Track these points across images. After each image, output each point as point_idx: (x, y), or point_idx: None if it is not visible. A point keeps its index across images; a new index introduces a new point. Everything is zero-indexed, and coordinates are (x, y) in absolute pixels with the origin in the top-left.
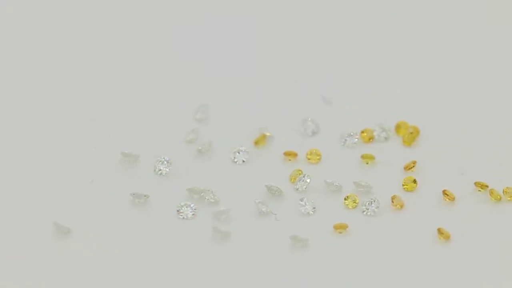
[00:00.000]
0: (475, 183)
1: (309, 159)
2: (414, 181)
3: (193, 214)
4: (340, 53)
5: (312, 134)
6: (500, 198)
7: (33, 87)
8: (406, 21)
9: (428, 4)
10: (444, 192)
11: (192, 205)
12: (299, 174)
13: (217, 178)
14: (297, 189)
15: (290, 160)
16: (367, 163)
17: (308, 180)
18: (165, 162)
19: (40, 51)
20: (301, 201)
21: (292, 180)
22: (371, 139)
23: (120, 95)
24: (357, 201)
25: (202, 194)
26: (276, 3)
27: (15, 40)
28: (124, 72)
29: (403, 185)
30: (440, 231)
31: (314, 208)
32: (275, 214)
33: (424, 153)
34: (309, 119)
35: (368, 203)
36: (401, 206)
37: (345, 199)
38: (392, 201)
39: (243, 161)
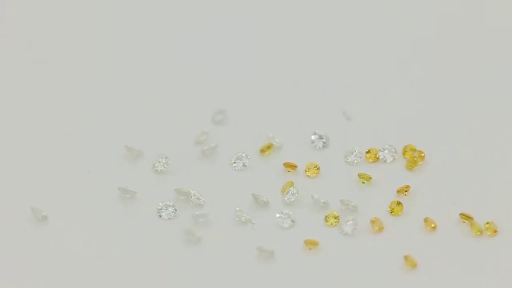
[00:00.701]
0: (460, 214)
1: (307, 172)
2: (399, 205)
3: (173, 215)
4: (341, 53)
5: (319, 149)
6: (481, 232)
7: (33, 87)
8: (408, 21)
9: (428, 4)
10: (426, 220)
11: (172, 206)
12: (290, 186)
13: (211, 181)
14: (284, 201)
15: (289, 171)
16: (363, 183)
17: (296, 194)
18: (163, 160)
19: (40, 51)
20: (280, 213)
21: (282, 192)
22: (375, 159)
23: (125, 94)
24: (338, 219)
25: (188, 195)
26: (276, 3)
27: (15, 40)
28: (127, 72)
29: (389, 208)
30: (406, 258)
31: (292, 222)
32: (253, 224)
33: (423, 179)
34: (321, 134)
35: (347, 223)
36: (380, 229)
37: (326, 216)
38: (372, 223)
39: (243, 167)
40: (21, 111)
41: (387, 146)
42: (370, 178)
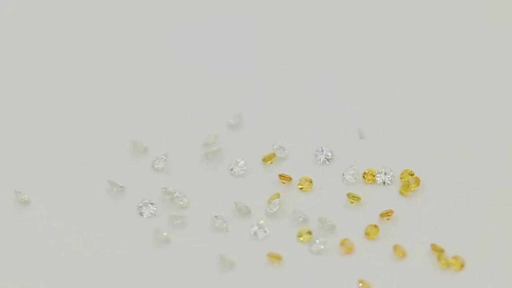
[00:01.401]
0: (432, 245)
1: (300, 186)
2: (375, 228)
3: (152, 213)
4: (342, 53)
5: (321, 164)
6: (448, 265)
7: (32, 86)
8: (408, 21)
9: (429, 4)
10: (395, 247)
11: (153, 204)
12: (277, 197)
13: (205, 184)
14: (266, 211)
15: (283, 183)
16: (351, 203)
17: (277, 205)
18: (163, 158)
19: (40, 51)
20: (255, 224)
21: (268, 202)
22: (372, 181)
23: (138, 92)
24: (311, 236)
25: (174, 195)
26: (276, 3)
27: (15, 41)
28: (128, 72)
29: (365, 231)
30: (361, 282)
31: (265, 233)
32: (228, 231)
33: (412, 205)
34: (325, 149)
35: (315, 241)
36: (349, 251)
37: (299, 231)
38: (341, 245)
39: (241, 173)
40: (22, 107)
41: (383, 169)
42: (359, 198)
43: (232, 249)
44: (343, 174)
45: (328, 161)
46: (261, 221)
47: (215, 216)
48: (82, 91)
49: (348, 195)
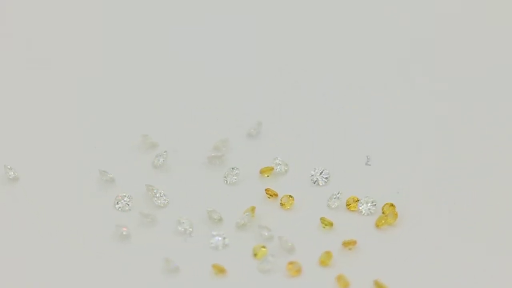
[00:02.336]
0: (375, 281)
1: (281, 202)
2: (328, 254)
3: (126, 208)
4: (341, 55)
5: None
6: None
7: (33, 87)
8: (407, 21)
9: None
10: (338, 277)
11: (127, 199)
12: (251, 211)
13: (194, 187)
14: (236, 223)
15: (269, 198)
16: (324, 227)
17: (245, 218)
18: (164, 155)
19: (40, 51)
20: (215, 233)
21: (243, 213)
22: (354, 209)
23: (154, 91)
24: (265, 253)
25: (153, 193)
26: (276, 3)
27: (15, 40)
28: (129, 72)
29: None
30: None
31: (224, 245)
32: (191, 237)
33: (380, 238)
34: (323, 172)
35: (266, 259)
36: (295, 273)
37: (253, 248)
38: (288, 266)
39: (234, 182)
40: (25, 109)
41: (365, 198)
42: (332, 224)
43: (185, 255)
44: (329, 198)
45: (324, 182)
46: (222, 232)
47: (179, 220)
48: (83, 91)
49: (321, 219)
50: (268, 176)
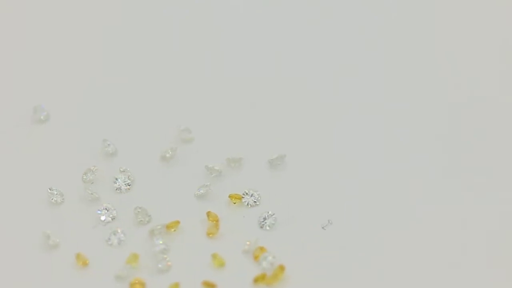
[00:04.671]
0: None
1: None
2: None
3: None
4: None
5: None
6: None
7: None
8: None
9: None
10: None
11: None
12: (175, 226)
13: (162, 187)
14: (151, 231)
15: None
16: (215, 265)
17: (160, 229)
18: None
19: (41, 50)
20: (113, 233)
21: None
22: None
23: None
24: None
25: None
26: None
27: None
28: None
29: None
30: None
31: (120, 241)
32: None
33: None
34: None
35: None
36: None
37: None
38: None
39: (202, 194)
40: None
41: (265, 254)
42: (223, 264)
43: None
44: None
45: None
46: (118, 229)
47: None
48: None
49: (212, 255)
50: (236, 203)
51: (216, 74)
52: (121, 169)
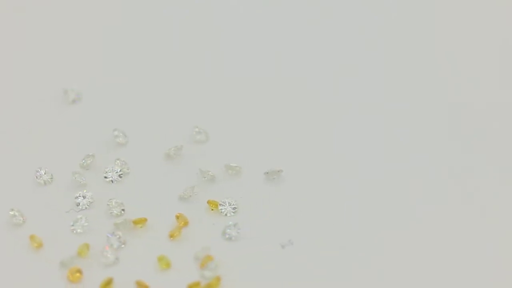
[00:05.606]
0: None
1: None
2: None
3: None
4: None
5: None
6: None
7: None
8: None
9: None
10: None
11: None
12: (141, 222)
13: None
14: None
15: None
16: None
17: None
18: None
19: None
20: (77, 220)
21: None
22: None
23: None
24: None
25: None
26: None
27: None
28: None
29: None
30: None
31: (82, 229)
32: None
33: None
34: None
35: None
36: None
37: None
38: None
39: (185, 196)
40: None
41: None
42: (169, 266)
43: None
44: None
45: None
46: (82, 217)
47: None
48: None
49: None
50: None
51: (216, 74)
52: (117, 160)
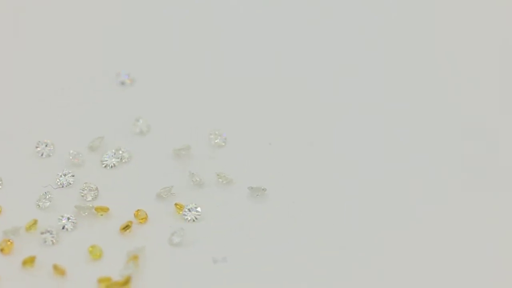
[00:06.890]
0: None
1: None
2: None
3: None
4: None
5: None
6: None
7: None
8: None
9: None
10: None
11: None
12: (102, 211)
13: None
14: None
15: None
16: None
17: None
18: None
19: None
20: (43, 196)
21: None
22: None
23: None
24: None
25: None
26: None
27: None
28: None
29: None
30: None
31: (45, 206)
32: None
33: None
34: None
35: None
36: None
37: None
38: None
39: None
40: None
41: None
42: (98, 257)
43: None
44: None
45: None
46: (47, 194)
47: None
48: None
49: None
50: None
51: (216, 74)
52: (117, 148)
